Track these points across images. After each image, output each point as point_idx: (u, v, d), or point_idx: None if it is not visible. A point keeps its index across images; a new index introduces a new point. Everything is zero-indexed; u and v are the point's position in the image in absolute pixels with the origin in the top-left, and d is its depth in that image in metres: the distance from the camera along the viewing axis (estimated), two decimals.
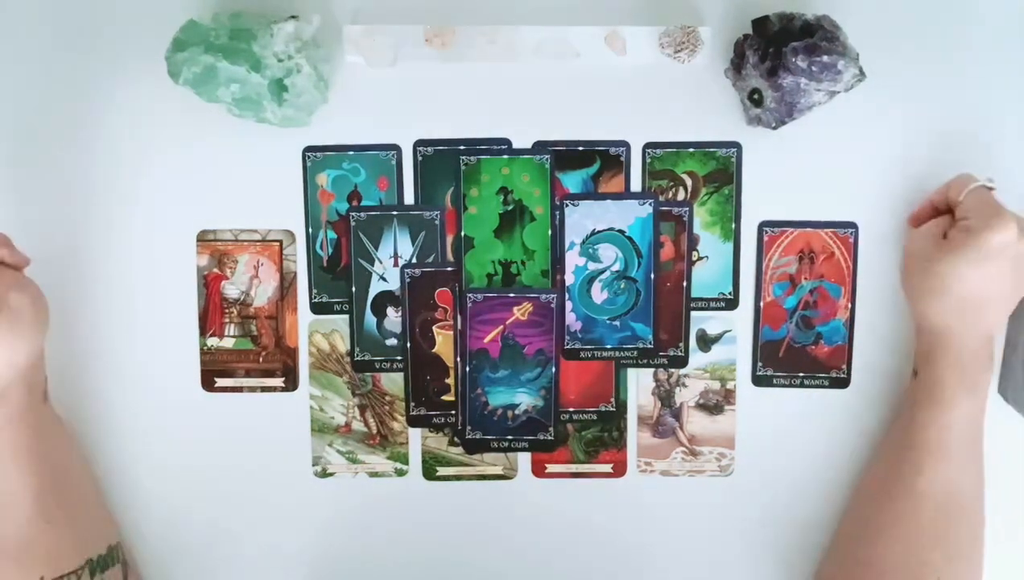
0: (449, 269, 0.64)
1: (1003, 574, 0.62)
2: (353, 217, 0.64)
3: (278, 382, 0.65)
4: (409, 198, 0.64)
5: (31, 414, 0.58)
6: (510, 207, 0.64)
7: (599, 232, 0.64)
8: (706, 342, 0.65)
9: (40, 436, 0.59)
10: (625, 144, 0.64)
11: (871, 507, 0.61)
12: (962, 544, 0.59)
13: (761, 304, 0.65)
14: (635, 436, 0.66)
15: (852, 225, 0.64)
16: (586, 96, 0.63)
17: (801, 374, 0.65)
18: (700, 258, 0.65)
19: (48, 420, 0.61)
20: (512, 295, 0.64)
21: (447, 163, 0.64)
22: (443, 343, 0.65)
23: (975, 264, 0.55)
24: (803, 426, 0.65)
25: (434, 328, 0.65)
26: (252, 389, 0.65)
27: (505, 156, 0.64)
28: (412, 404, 0.65)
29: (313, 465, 0.66)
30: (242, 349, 0.65)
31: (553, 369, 0.65)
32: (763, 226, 0.64)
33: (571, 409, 0.65)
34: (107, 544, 0.62)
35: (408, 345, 0.65)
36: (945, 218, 0.59)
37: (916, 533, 0.58)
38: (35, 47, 0.63)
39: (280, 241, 0.65)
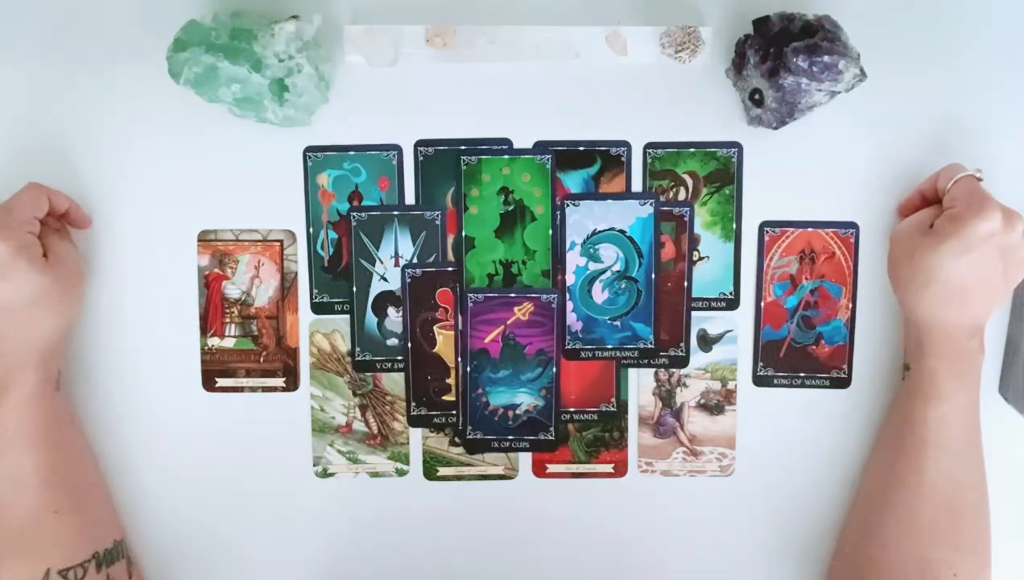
0: (450, 269, 0.64)
1: (1005, 575, 0.62)
2: (354, 217, 0.64)
3: (279, 382, 0.65)
4: (410, 198, 0.64)
5: (43, 400, 0.59)
6: (511, 207, 0.64)
7: (600, 232, 0.64)
8: (707, 342, 0.65)
9: (50, 423, 0.59)
10: (626, 144, 0.64)
11: (876, 507, 0.61)
12: (970, 538, 0.59)
13: (762, 304, 0.65)
14: (636, 436, 0.66)
15: (853, 225, 0.64)
16: (587, 96, 0.63)
17: (802, 374, 0.65)
18: (701, 258, 0.65)
19: (59, 409, 0.61)
20: (513, 295, 0.64)
21: (448, 163, 0.64)
22: (444, 343, 0.65)
23: (960, 253, 0.55)
24: (804, 426, 0.65)
25: (435, 328, 0.65)
26: (253, 389, 0.65)
27: (506, 156, 0.64)
28: (413, 404, 0.65)
29: (314, 465, 0.66)
30: (243, 349, 0.65)
31: (554, 369, 0.65)
32: (764, 226, 0.64)
33: (572, 409, 0.65)
34: (113, 539, 0.62)
35: (409, 345, 0.65)
36: (932, 208, 0.59)
37: (923, 530, 0.58)
38: (35, 47, 0.63)
39: (281, 241, 0.65)
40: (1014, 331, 0.63)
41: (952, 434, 0.58)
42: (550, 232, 0.64)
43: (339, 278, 0.65)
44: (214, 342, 0.65)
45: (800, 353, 0.65)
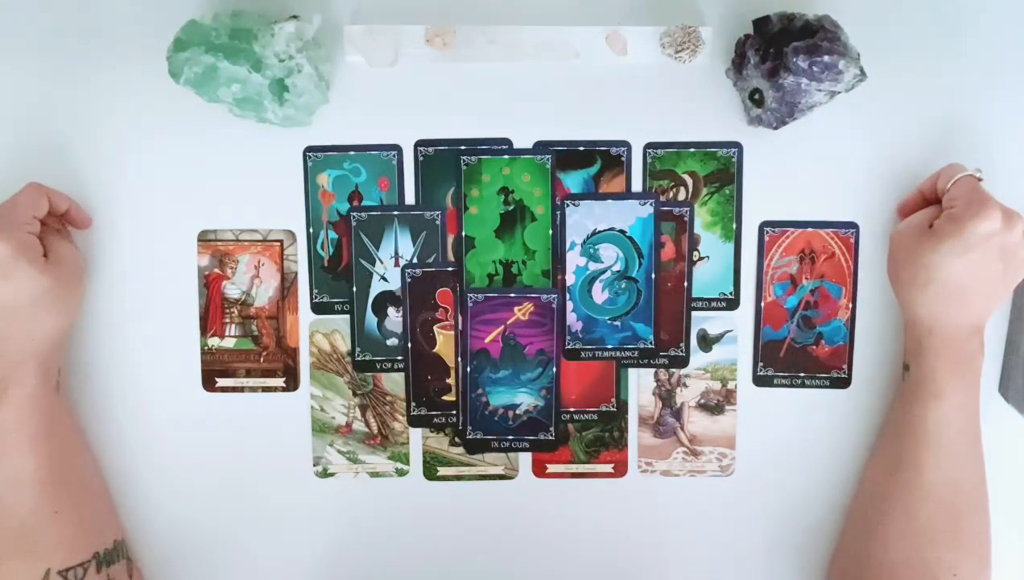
0: (450, 269, 0.64)
1: (1005, 575, 0.62)
2: (354, 217, 0.64)
3: (279, 382, 0.65)
4: (410, 198, 0.64)
5: (43, 401, 0.59)
6: (511, 207, 0.64)
7: (600, 232, 0.64)
8: (707, 342, 0.65)
9: (50, 423, 0.59)
10: (626, 144, 0.64)
11: (876, 507, 0.61)
12: (970, 538, 0.59)
13: (762, 304, 0.65)
14: (636, 436, 0.66)
15: (853, 225, 0.64)
16: (587, 96, 0.63)
17: (802, 374, 0.65)
18: (701, 258, 0.65)
19: (59, 409, 0.61)
20: (513, 295, 0.64)
21: (448, 163, 0.64)
22: (444, 343, 0.65)
23: (960, 253, 0.55)
24: (804, 426, 0.65)
25: (435, 328, 0.65)
26: (253, 389, 0.65)
27: (506, 156, 0.64)
28: (413, 404, 0.65)
29: (314, 465, 0.66)
30: (243, 349, 0.65)
31: (554, 369, 0.65)
32: (764, 226, 0.64)
33: (572, 409, 0.65)
34: (113, 539, 0.62)
35: (409, 345, 0.65)
36: (932, 208, 0.59)
37: (924, 530, 0.58)
38: (36, 47, 0.63)
39: (281, 241, 0.65)
40: (1014, 331, 0.63)
41: (952, 434, 0.58)
42: (550, 232, 0.64)
43: (339, 278, 0.65)
44: (214, 342, 0.65)
45: (800, 353, 0.65)
